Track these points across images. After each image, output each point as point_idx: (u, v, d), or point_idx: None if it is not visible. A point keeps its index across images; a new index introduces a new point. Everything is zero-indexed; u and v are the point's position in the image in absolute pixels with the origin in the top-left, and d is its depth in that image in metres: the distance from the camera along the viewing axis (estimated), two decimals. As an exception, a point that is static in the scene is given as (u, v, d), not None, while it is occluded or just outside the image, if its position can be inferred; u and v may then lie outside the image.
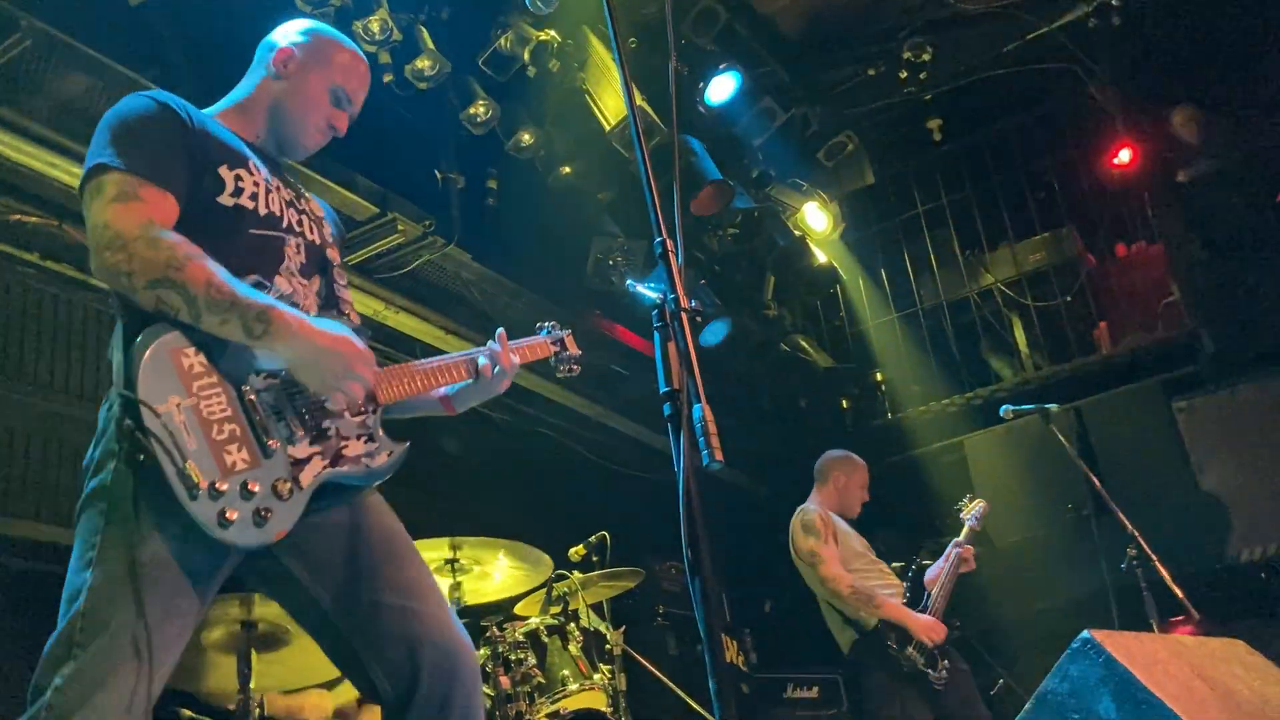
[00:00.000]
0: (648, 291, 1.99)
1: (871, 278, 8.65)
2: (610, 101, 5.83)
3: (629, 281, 1.97)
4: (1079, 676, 2.45)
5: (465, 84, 5.31)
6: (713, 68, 6.56)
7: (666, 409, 1.90)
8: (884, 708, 4.86)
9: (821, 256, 7.47)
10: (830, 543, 5.13)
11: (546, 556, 4.14)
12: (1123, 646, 2.45)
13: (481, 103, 5.32)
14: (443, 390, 2.60)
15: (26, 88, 3.94)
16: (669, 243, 2.01)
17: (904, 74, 7.39)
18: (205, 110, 2.35)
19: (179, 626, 1.99)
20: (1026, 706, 2.50)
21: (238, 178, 2.21)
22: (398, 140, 5.25)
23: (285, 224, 2.30)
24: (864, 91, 7.84)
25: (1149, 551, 4.69)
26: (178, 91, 2.29)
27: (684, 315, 1.93)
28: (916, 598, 5.11)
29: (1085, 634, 2.52)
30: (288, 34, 2.50)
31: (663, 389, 1.91)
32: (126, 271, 1.95)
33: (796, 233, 7.45)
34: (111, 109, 2.19)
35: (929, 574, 5.25)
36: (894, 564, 6.14)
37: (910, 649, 4.89)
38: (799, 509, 5.38)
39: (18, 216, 4.24)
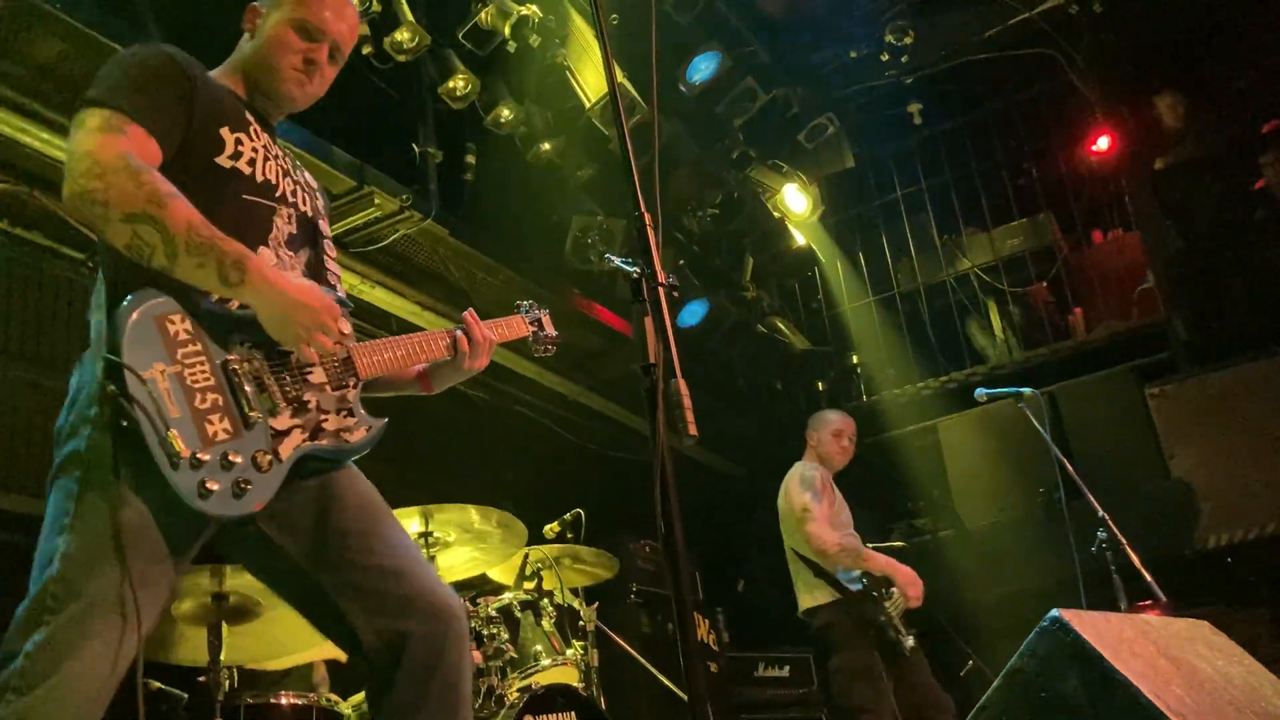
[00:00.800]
0: (625, 266, 1.98)
1: (849, 261, 8.68)
2: (590, 78, 5.80)
3: (607, 255, 1.97)
4: (1046, 654, 2.47)
5: (444, 57, 5.27)
6: (694, 47, 6.55)
7: (643, 384, 1.90)
8: (855, 663, 4.88)
9: (800, 239, 7.48)
10: (825, 503, 5.16)
11: (519, 523, 4.13)
12: (1090, 625, 2.48)
13: (461, 76, 5.28)
14: (420, 367, 2.58)
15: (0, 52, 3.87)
16: (647, 217, 2.00)
17: (886, 56, 7.40)
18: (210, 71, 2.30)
19: (154, 594, 1.97)
20: (995, 683, 2.53)
21: (238, 140, 2.18)
22: (375, 113, 5.21)
23: (279, 192, 2.27)
24: (845, 74, 7.85)
25: (1119, 535, 4.73)
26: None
27: (661, 290, 1.93)
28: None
29: (1054, 613, 2.54)
30: None
31: (640, 364, 1.91)
32: (102, 201, 1.89)
33: (776, 214, 7.45)
34: (117, 54, 2.15)
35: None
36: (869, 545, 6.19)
37: (889, 604, 4.96)
38: (798, 464, 5.41)
39: (-12, 183, 4.18)
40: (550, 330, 2.92)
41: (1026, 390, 5.20)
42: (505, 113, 5.62)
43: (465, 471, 6.21)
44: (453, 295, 5.99)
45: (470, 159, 5.80)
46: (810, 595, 5.17)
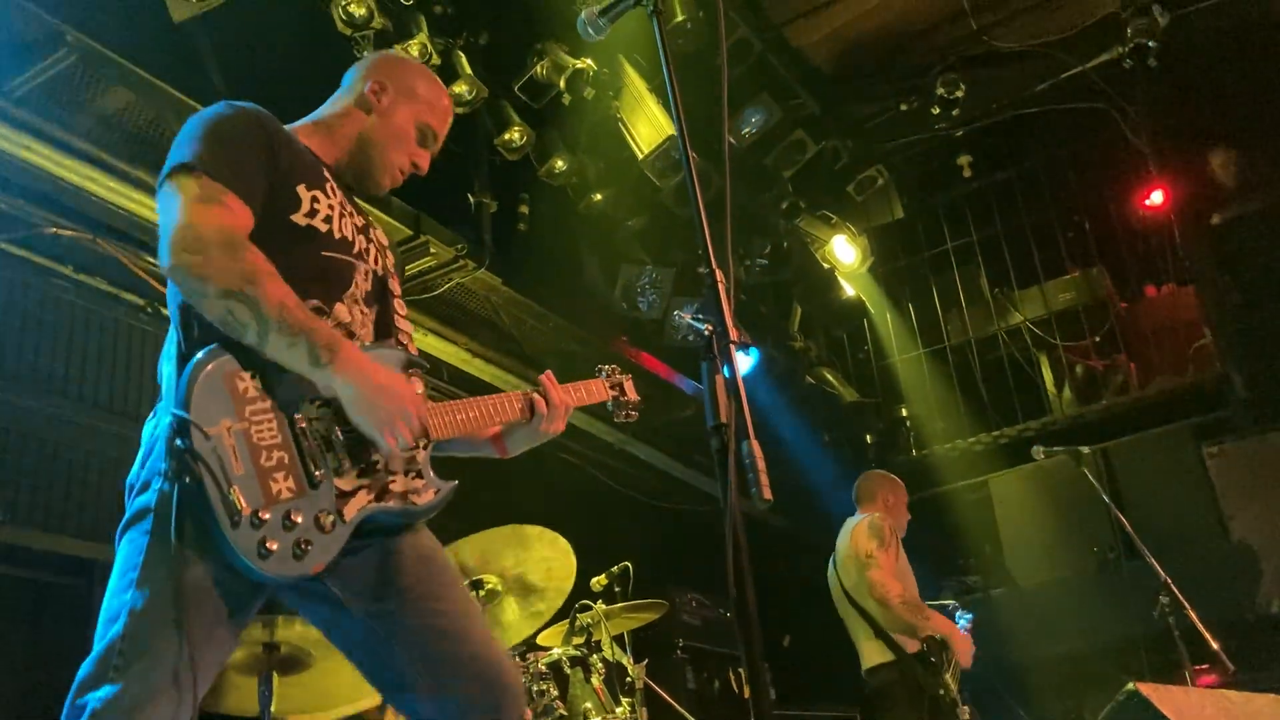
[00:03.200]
0: (696, 323, 1.95)
1: (899, 312, 8.61)
2: (643, 130, 5.84)
3: (675, 312, 1.93)
4: (1123, 729, 2.39)
5: (501, 109, 5.33)
6: (744, 99, 6.58)
7: (714, 443, 1.87)
8: None
9: (849, 289, 7.44)
10: (891, 553, 5.02)
11: (563, 539, 4.07)
12: (1169, 701, 2.40)
13: (516, 128, 5.33)
14: (494, 430, 2.55)
15: (69, 102, 3.96)
16: (719, 274, 1.98)
17: (936, 109, 7.39)
18: (287, 125, 2.30)
19: (216, 653, 1.96)
20: (1068, 758, 2.45)
21: (314, 199, 2.17)
22: (433, 164, 5.24)
23: (356, 250, 2.25)
24: (895, 126, 7.84)
25: (1181, 599, 4.60)
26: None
27: (733, 348, 1.90)
28: None
29: (1131, 686, 2.46)
30: (377, 64, 2.46)
31: (710, 422, 1.88)
32: (200, 276, 1.90)
33: (825, 265, 7.43)
34: (198, 114, 2.15)
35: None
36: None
37: (948, 674, 4.79)
38: (865, 515, 5.24)
39: (54, 230, 4.25)
40: (632, 395, 2.83)
41: (1085, 449, 5.10)
42: (559, 163, 5.66)
43: (508, 520, 6.18)
44: (503, 342, 6.01)
45: (523, 208, 5.85)
46: (871, 653, 5.05)
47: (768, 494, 1.80)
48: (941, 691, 4.74)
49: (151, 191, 4.26)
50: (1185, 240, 7.70)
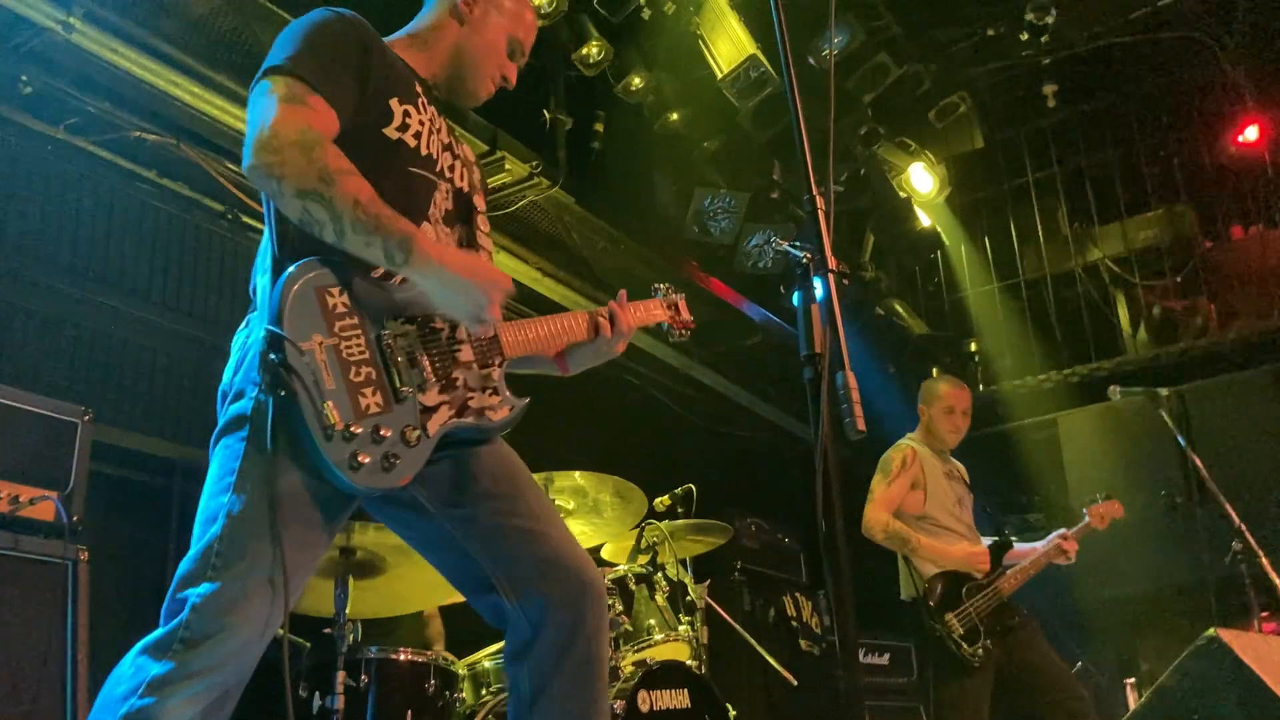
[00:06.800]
0: (794, 250, 1.92)
1: (974, 245, 8.43)
2: (723, 48, 5.71)
3: (773, 239, 1.88)
4: (1202, 675, 2.37)
5: (579, 23, 5.24)
6: (826, 19, 6.40)
7: (807, 373, 1.85)
8: (940, 683, 4.62)
9: (925, 219, 7.30)
10: (897, 482, 4.86)
11: (639, 492, 4.12)
12: (1251, 648, 2.36)
13: (595, 43, 5.25)
14: (559, 349, 2.56)
15: (157, 5, 3.96)
16: (820, 200, 1.93)
17: (1025, 35, 7.12)
18: (384, 38, 2.30)
19: (307, 558, 2.01)
20: (1144, 699, 2.43)
21: (406, 113, 2.17)
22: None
23: (440, 168, 2.26)
24: (981, 52, 7.58)
25: (1255, 546, 4.52)
26: (304, 12, 2.23)
27: (832, 276, 1.87)
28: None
29: (1211, 632, 2.43)
30: None
31: (804, 351, 1.86)
32: (278, 175, 1.90)
33: (901, 193, 7.28)
34: (296, 20, 2.15)
35: (1015, 549, 4.99)
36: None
37: (951, 616, 4.58)
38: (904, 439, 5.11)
39: (138, 133, 4.28)
40: (685, 315, 2.88)
41: (1163, 390, 4.98)
42: (636, 81, 5.58)
43: (571, 439, 6.24)
44: (573, 263, 6.00)
45: (598, 126, 5.78)
46: (903, 582, 4.95)
47: (861, 425, 1.79)
48: (941, 632, 4.55)
49: (234, 98, 4.30)
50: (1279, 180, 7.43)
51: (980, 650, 4.56)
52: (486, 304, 2.04)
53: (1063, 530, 4.96)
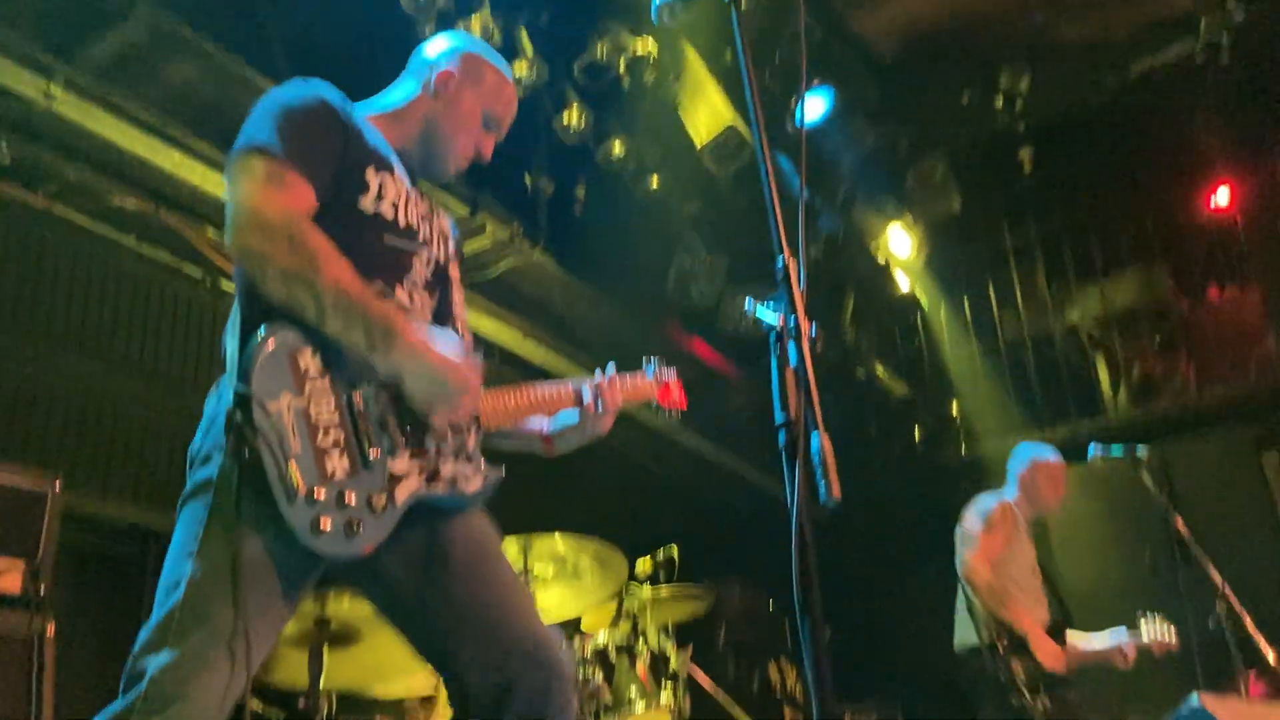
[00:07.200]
0: (766, 313, 1.92)
1: (953, 307, 8.48)
2: (702, 116, 5.80)
3: (748, 301, 1.89)
4: (1187, 742, 2.34)
5: (560, 90, 5.30)
6: (804, 87, 6.50)
7: (781, 438, 1.83)
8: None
9: (903, 282, 7.35)
10: (995, 536, 4.88)
11: (619, 556, 4.08)
12: (1233, 713, 2.34)
13: (575, 110, 5.31)
14: (545, 429, 2.54)
15: (136, 75, 4.00)
16: (791, 263, 1.94)
17: (999, 101, 7.24)
18: (357, 106, 2.30)
19: (270, 625, 1.97)
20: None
21: (382, 183, 2.18)
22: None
23: (420, 237, 2.25)
24: (956, 117, 7.69)
25: (1239, 609, 4.50)
26: (283, 84, 2.24)
27: (804, 341, 1.86)
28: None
29: (1194, 697, 2.41)
30: (445, 51, 2.44)
31: (778, 417, 1.85)
32: (261, 256, 1.92)
33: (879, 257, 7.34)
34: (270, 93, 2.16)
35: (1078, 641, 5.02)
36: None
37: (1017, 662, 4.65)
38: (989, 494, 5.10)
39: (118, 200, 4.30)
40: (677, 394, 2.84)
41: (1143, 449, 4.98)
42: (616, 147, 5.63)
43: (556, 502, 6.19)
44: (554, 325, 6.01)
45: (579, 192, 5.82)
46: (962, 629, 4.90)
47: (837, 492, 1.77)
48: (1005, 679, 4.63)
49: (213, 164, 4.31)
50: (1250, 241, 7.52)
51: (1039, 705, 4.61)
52: (454, 406, 2.04)
53: (1123, 637, 4.97)
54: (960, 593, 4.94)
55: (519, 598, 2.23)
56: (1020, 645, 4.69)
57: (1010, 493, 5.18)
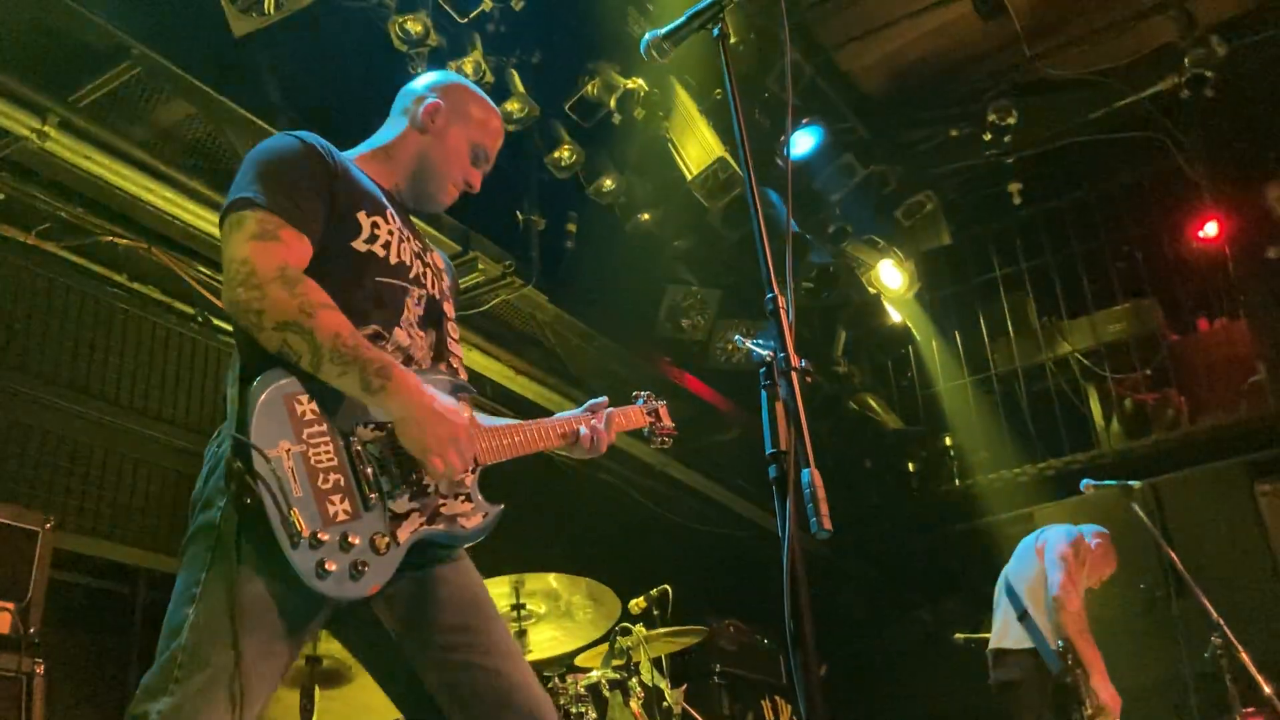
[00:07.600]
0: (757, 349, 1.93)
1: (945, 340, 8.52)
2: (692, 151, 5.83)
3: (737, 335, 1.90)
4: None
5: (551, 128, 5.34)
6: (794, 122, 6.55)
7: (772, 471, 1.84)
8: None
9: (895, 315, 7.37)
10: (1080, 568, 4.98)
11: (611, 594, 4.07)
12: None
13: (566, 147, 5.35)
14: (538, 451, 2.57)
15: (130, 114, 4.02)
16: (781, 299, 1.95)
17: (988, 136, 7.31)
18: (346, 153, 2.34)
19: (272, 669, 1.96)
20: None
21: (374, 224, 2.20)
22: (483, 181, 5.28)
23: (412, 275, 2.28)
24: (945, 152, 7.77)
25: (1234, 641, 4.50)
26: (276, 123, 2.28)
27: (794, 374, 1.87)
28: None
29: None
30: (431, 86, 2.48)
31: (769, 450, 1.85)
32: (257, 309, 1.96)
33: (871, 290, 7.37)
34: (258, 146, 2.20)
35: None
36: (956, 635, 5.98)
37: (1074, 677, 4.74)
38: (1076, 527, 5.17)
39: (110, 238, 4.30)
40: (667, 422, 2.92)
41: (1135, 484, 5.00)
42: (607, 183, 5.67)
43: (549, 540, 6.17)
44: (547, 360, 6.02)
45: (571, 227, 5.85)
46: (1006, 634, 4.98)
47: (828, 525, 1.77)
48: (1069, 679, 4.70)
49: (206, 202, 4.33)
50: (1239, 273, 7.57)
51: (1089, 712, 4.72)
52: (446, 454, 2.05)
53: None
54: (1003, 595, 4.96)
55: (509, 654, 2.22)
56: (1083, 672, 4.76)
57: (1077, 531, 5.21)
